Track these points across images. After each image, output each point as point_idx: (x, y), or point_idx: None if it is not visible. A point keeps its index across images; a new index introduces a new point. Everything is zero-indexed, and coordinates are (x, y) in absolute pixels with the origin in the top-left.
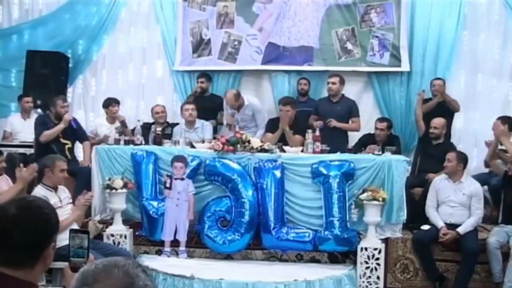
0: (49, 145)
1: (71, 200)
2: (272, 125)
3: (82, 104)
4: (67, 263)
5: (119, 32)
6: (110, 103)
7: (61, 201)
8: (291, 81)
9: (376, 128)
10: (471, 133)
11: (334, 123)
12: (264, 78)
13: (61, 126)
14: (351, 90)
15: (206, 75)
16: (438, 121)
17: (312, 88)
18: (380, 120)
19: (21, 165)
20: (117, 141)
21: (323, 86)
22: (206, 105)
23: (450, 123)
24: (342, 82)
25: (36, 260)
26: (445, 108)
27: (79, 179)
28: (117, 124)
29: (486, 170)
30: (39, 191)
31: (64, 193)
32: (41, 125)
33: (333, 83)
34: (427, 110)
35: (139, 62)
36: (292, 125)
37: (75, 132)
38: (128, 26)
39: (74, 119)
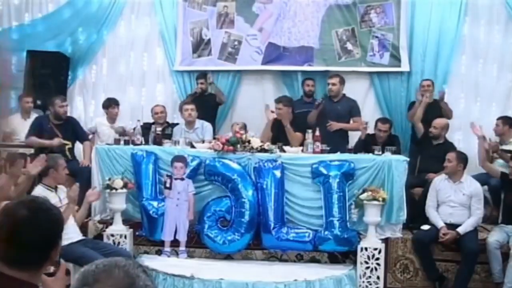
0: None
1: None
2: (272, 125)
3: (82, 101)
4: None
5: (119, 32)
6: (110, 104)
7: (61, 201)
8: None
9: (379, 130)
10: (472, 133)
11: (334, 126)
12: (264, 78)
13: (47, 142)
14: (352, 90)
15: (205, 75)
16: (439, 121)
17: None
18: (382, 121)
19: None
20: (117, 141)
21: (323, 86)
22: (206, 104)
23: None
24: (342, 82)
25: (45, 261)
26: (437, 111)
27: (79, 179)
28: (117, 124)
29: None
30: (39, 191)
31: (64, 193)
32: (35, 127)
33: (333, 84)
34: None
35: (139, 62)
36: (291, 124)
37: (75, 132)
38: (128, 26)
39: (74, 119)
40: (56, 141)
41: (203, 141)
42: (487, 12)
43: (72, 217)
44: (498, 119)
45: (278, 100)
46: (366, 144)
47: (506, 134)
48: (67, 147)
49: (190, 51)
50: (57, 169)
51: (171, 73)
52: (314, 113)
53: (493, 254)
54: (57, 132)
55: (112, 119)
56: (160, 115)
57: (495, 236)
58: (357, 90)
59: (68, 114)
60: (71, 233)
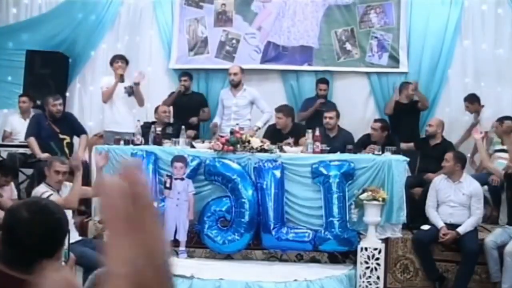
0: (47, 142)
1: None
2: (272, 131)
3: (80, 102)
4: None
5: (117, 30)
6: (114, 60)
7: None
8: (299, 81)
9: (371, 128)
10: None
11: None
12: (262, 77)
13: (39, 154)
14: (351, 91)
15: (188, 74)
16: (434, 119)
17: (311, 89)
18: (375, 120)
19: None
20: (117, 141)
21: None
22: (189, 103)
23: (417, 122)
24: (338, 116)
25: (47, 263)
26: (411, 107)
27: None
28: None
29: None
30: (41, 190)
31: (67, 191)
32: (34, 126)
33: (331, 118)
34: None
35: (136, 60)
36: (291, 133)
37: (72, 127)
38: (125, 24)
39: (70, 115)
40: (45, 155)
41: (203, 141)
42: (487, 12)
43: (72, 218)
44: (496, 120)
45: (278, 109)
46: (365, 144)
47: None
48: (65, 142)
49: (186, 49)
50: (49, 170)
51: (168, 72)
52: (307, 113)
53: (489, 254)
54: (55, 129)
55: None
56: (165, 114)
57: (492, 236)
58: (356, 90)
59: (68, 112)
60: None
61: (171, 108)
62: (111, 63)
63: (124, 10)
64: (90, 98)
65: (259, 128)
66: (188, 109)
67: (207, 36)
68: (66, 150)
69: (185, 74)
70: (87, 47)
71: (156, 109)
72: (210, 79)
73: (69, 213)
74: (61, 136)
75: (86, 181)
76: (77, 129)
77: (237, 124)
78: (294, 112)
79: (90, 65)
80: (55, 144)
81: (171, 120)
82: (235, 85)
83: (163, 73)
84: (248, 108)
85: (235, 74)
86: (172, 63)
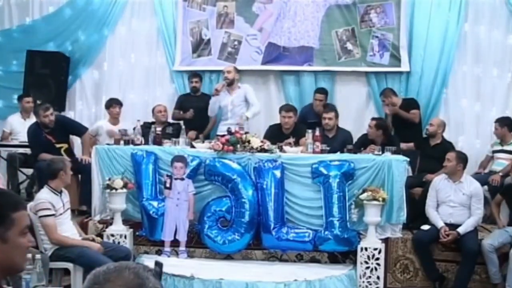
0: (46, 150)
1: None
2: (273, 131)
3: (85, 99)
4: None
5: (119, 32)
6: (111, 104)
7: (64, 206)
8: (300, 82)
9: (368, 126)
10: (473, 133)
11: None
12: (264, 78)
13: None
14: (350, 91)
15: (198, 75)
16: (434, 119)
17: (312, 89)
18: (372, 119)
19: None
20: (117, 141)
21: (326, 86)
22: (199, 104)
23: (419, 130)
24: (337, 116)
25: None
26: (406, 109)
27: (84, 175)
28: (120, 125)
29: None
30: (44, 194)
31: (66, 197)
32: (33, 139)
33: (330, 119)
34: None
35: (140, 62)
36: (293, 133)
37: (70, 131)
38: (128, 26)
39: (63, 119)
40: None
41: (203, 141)
42: (487, 11)
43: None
44: (495, 122)
45: (288, 109)
46: (365, 144)
47: (507, 135)
48: (62, 150)
49: (189, 51)
50: (66, 170)
51: (171, 73)
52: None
53: (488, 257)
54: (51, 139)
55: (114, 118)
56: (163, 114)
57: (489, 239)
58: (357, 90)
59: (63, 114)
60: (69, 232)
61: (167, 107)
62: (108, 107)
63: (127, 12)
64: (91, 101)
65: (248, 118)
66: (197, 110)
67: (210, 38)
68: (65, 156)
69: (196, 75)
70: (90, 50)
71: (153, 109)
72: (213, 80)
73: (68, 213)
74: (58, 146)
75: (89, 183)
76: (76, 131)
77: (237, 124)
78: (304, 111)
79: (94, 67)
80: (52, 153)
81: (169, 120)
82: (229, 84)
83: (166, 75)
84: (242, 106)
85: (228, 72)
86: (176, 65)
